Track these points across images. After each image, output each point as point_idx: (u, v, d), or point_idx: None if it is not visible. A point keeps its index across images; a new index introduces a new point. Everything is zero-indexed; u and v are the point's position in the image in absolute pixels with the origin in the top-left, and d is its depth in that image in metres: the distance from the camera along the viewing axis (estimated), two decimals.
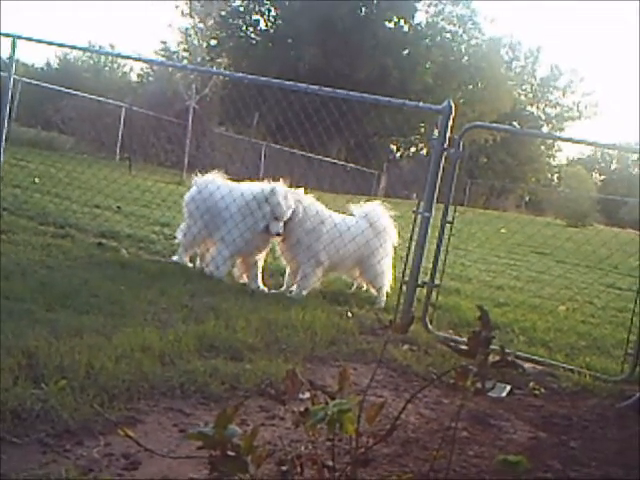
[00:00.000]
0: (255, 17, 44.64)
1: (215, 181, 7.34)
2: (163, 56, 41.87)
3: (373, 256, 7.10)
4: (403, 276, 6.23)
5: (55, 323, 4.40)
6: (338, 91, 6.94)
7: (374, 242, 7.07)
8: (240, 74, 9.46)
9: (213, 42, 42.52)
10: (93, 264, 6.54)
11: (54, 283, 5.42)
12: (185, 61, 38.34)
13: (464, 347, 2.39)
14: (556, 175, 62.56)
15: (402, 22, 43.59)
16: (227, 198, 7.02)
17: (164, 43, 43.75)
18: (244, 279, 7.16)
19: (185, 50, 42.30)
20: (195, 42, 40.04)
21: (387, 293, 7.19)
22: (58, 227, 8.10)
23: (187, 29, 41.84)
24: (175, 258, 7.45)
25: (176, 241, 7.68)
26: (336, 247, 6.90)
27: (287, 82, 7.45)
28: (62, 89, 25.15)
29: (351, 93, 6.96)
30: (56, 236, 7.56)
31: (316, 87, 7.04)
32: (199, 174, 7.60)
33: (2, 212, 8.19)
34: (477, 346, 2.33)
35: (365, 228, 7.06)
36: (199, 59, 36.13)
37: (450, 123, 6.08)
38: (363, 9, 41.86)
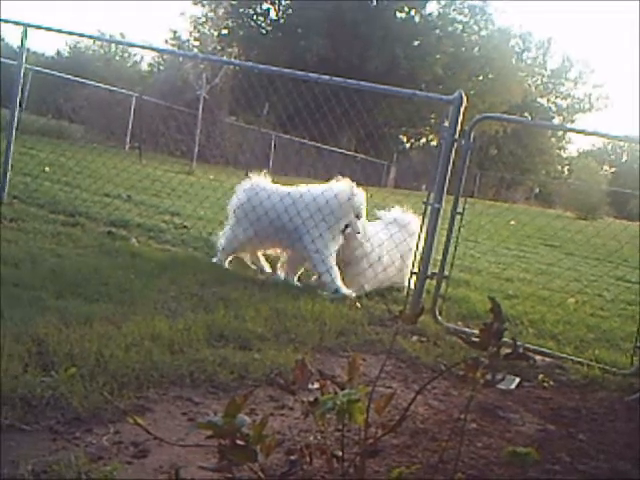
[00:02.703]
0: (266, 6, 44.60)
1: (270, 186, 7.13)
2: (174, 45, 41.95)
3: (406, 259, 7.12)
4: (412, 267, 6.22)
5: (65, 311, 4.42)
6: (349, 81, 6.92)
7: (406, 245, 7.15)
8: (250, 63, 9.44)
9: (224, 31, 42.55)
10: (103, 253, 6.55)
11: (64, 271, 5.44)
12: (195, 50, 38.36)
13: (475, 339, 2.39)
14: (566, 167, 62.29)
15: (413, 12, 43.47)
16: (299, 203, 6.81)
17: (175, 32, 43.87)
18: (281, 271, 7.09)
19: (196, 40, 42.37)
20: (206, 31, 40.10)
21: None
22: (68, 215, 8.12)
23: (198, 18, 41.97)
24: (215, 260, 7.18)
25: (219, 247, 7.27)
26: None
27: (299, 72, 7.44)
28: (73, 78, 25.18)
29: (362, 83, 6.94)
30: (66, 224, 7.59)
31: (327, 77, 7.02)
32: (247, 177, 7.31)
33: (13, 200, 8.22)
34: (489, 338, 2.33)
35: (395, 233, 7.17)
36: (209, 48, 36.15)
37: (461, 114, 6.06)
38: None
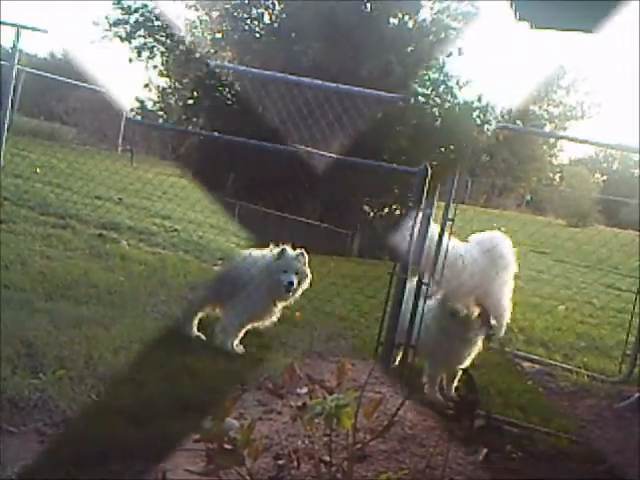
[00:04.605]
0: (259, 10, 44.60)
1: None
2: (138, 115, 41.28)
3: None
4: None
5: (54, 313, 4.40)
6: (323, 153, 6.70)
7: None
8: (243, 67, 9.42)
9: (218, 35, 42.53)
10: (93, 255, 6.54)
11: (54, 273, 5.42)
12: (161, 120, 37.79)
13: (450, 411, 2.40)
14: (558, 175, 62.33)
15: (407, 18, 43.58)
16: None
17: (142, 102, 43.13)
18: None
19: (161, 109, 41.75)
20: (172, 102, 39.71)
21: None
22: (59, 217, 8.09)
23: (193, 22, 41.90)
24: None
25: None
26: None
27: (253, 141, 7.02)
28: (65, 80, 25.09)
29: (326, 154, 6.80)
30: (57, 226, 7.56)
31: (282, 146, 6.76)
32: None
33: (3, 202, 8.19)
34: (463, 411, 2.34)
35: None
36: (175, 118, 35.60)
37: (426, 184, 5.83)
38: (368, 5, 41.84)
